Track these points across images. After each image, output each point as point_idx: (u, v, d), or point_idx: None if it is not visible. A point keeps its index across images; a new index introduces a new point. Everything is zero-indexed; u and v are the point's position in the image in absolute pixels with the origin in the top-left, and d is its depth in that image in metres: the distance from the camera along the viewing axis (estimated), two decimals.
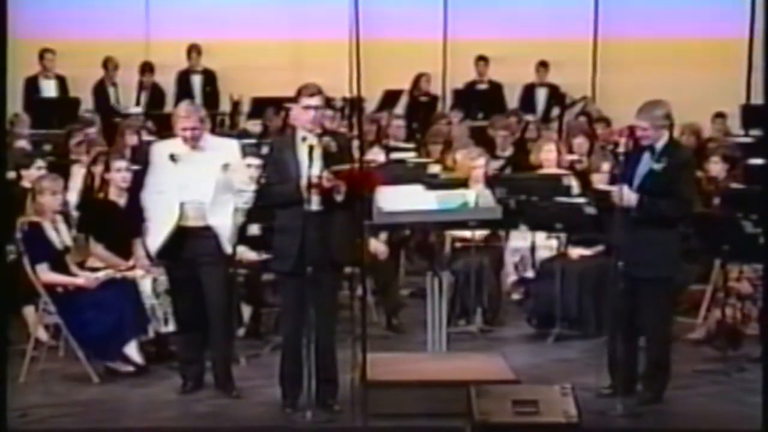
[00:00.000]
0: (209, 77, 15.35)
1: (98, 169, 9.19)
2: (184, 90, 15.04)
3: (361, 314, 7.15)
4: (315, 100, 7.29)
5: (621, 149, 7.48)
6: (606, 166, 9.16)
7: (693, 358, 8.61)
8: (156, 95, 15.09)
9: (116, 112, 14.28)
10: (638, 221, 7.33)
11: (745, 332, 8.85)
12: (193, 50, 15.31)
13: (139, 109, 14.34)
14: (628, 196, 7.37)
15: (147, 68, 15.13)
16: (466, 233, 9.55)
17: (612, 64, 15.32)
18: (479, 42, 15.34)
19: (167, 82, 15.28)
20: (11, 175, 9.37)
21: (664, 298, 7.52)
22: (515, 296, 10.33)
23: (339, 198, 7.15)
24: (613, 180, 7.64)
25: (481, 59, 15.40)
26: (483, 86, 15.47)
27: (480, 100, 15.18)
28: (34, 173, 9.40)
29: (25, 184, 9.33)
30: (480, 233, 9.57)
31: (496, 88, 15.44)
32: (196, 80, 15.34)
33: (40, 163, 9.66)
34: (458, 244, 9.69)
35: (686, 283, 9.20)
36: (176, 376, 7.95)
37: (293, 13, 15.15)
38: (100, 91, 14.87)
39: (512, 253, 10.16)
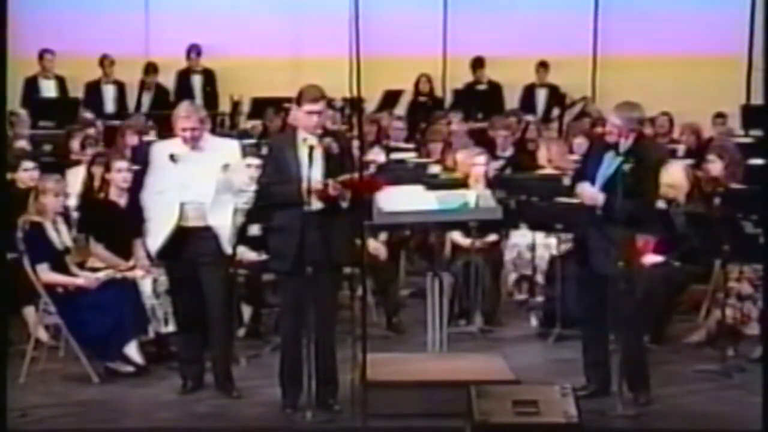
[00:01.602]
0: (209, 77, 15.35)
1: (98, 169, 9.18)
2: (183, 90, 15.04)
3: (361, 314, 7.14)
4: (318, 106, 7.27)
5: (621, 149, 7.48)
6: None
7: (693, 359, 8.61)
8: (160, 96, 15.06)
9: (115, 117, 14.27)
10: (602, 220, 7.38)
11: (745, 332, 8.85)
12: (193, 50, 15.31)
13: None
14: (593, 194, 7.42)
15: (150, 69, 15.11)
16: (465, 240, 9.57)
17: (612, 63, 15.31)
18: (479, 39, 15.32)
19: (167, 84, 15.28)
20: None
21: (628, 297, 7.51)
22: (518, 297, 10.33)
23: (344, 205, 7.15)
24: (581, 176, 7.66)
25: (477, 61, 15.40)
26: (482, 86, 15.47)
27: (479, 100, 15.17)
28: (23, 176, 9.39)
29: (19, 185, 9.32)
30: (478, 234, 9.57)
31: (495, 89, 15.44)
32: (196, 80, 15.34)
33: (27, 164, 9.59)
34: (457, 242, 9.69)
35: (686, 283, 9.19)
36: (176, 376, 7.95)
37: (293, 10, 15.17)
38: (92, 90, 14.86)
39: (513, 250, 10.17)
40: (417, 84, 15.32)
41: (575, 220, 9.04)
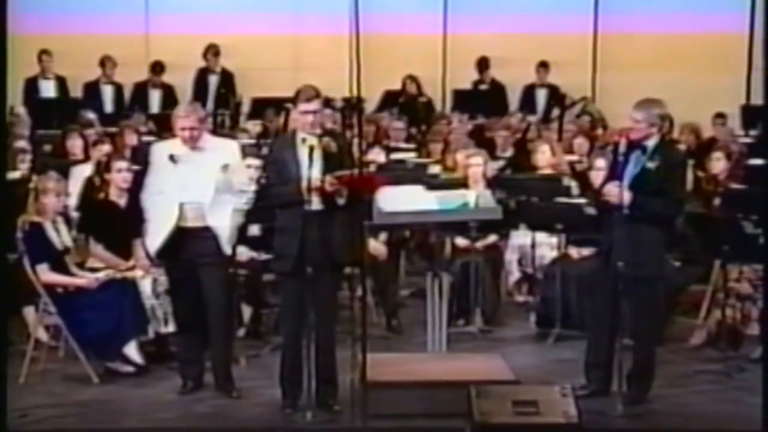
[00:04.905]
0: (226, 78, 15.32)
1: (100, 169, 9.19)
2: (200, 89, 15.05)
3: (361, 314, 7.15)
4: (312, 105, 7.27)
5: (621, 149, 7.47)
6: (602, 163, 9.13)
7: (693, 359, 8.61)
8: (169, 95, 15.04)
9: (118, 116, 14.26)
10: (629, 220, 7.34)
11: (745, 332, 8.85)
12: (210, 50, 15.27)
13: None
14: (622, 194, 7.38)
15: (157, 67, 15.07)
16: (465, 240, 9.59)
17: (612, 64, 15.33)
18: (479, 38, 15.34)
19: (167, 80, 15.27)
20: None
21: (650, 298, 7.51)
22: (519, 298, 10.33)
23: (341, 201, 7.16)
24: (610, 177, 7.61)
25: (482, 61, 15.42)
26: (484, 86, 15.48)
27: (481, 100, 15.17)
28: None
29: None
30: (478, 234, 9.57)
31: (498, 89, 15.44)
32: (213, 80, 15.32)
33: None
34: (457, 243, 9.69)
35: (686, 283, 9.19)
36: (176, 376, 7.95)
37: (293, 9, 15.16)
38: (91, 90, 14.85)
39: (514, 250, 10.17)
40: (404, 86, 15.29)
41: (575, 221, 9.11)
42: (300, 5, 15.15)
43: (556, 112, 15.25)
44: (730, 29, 14.95)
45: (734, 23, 15.01)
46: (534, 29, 15.12)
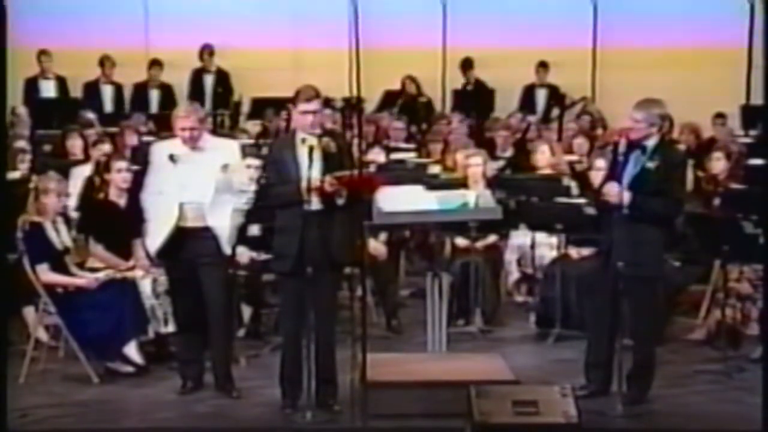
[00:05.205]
0: (222, 78, 15.33)
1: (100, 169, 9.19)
2: (196, 89, 15.06)
3: (361, 314, 7.15)
4: (312, 105, 7.28)
5: (621, 149, 7.47)
6: (601, 163, 9.14)
7: (693, 358, 8.62)
8: (167, 94, 15.03)
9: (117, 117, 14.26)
10: (629, 220, 7.34)
11: (745, 332, 8.86)
12: (205, 51, 15.30)
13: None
14: (621, 194, 7.38)
15: (155, 64, 15.07)
16: (465, 240, 9.59)
17: (612, 64, 15.32)
18: (478, 49, 15.35)
19: (176, 83, 15.26)
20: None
21: (650, 298, 7.52)
22: (519, 298, 10.33)
23: (340, 202, 7.16)
24: (610, 177, 7.61)
25: (466, 62, 15.43)
26: (470, 87, 15.49)
27: (470, 101, 15.17)
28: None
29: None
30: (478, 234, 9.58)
31: (482, 89, 15.44)
32: (209, 80, 15.33)
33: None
34: (458, 243, 9.70)
35: (686, 283, 9.20)
36: (176, 376, 7.95)
37: (294, 20, 15.16)
38: (91, 90, 14.86)
39: (514, 250, 10.17)
40: (403, 86, 15.30)
41: (574, 221, 9.10)
42: (300, 6, 15.12)
43: (556, 112, 15.27)
44: (729, 39, 14.94)
45: (734, 35, 14.98)
46: (534, 39, 15.11)
